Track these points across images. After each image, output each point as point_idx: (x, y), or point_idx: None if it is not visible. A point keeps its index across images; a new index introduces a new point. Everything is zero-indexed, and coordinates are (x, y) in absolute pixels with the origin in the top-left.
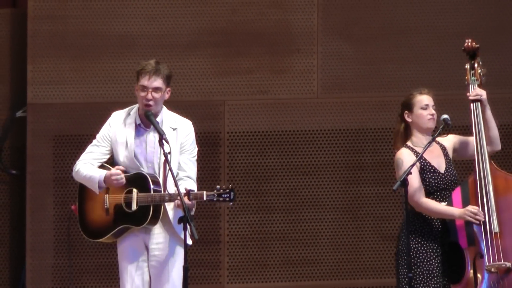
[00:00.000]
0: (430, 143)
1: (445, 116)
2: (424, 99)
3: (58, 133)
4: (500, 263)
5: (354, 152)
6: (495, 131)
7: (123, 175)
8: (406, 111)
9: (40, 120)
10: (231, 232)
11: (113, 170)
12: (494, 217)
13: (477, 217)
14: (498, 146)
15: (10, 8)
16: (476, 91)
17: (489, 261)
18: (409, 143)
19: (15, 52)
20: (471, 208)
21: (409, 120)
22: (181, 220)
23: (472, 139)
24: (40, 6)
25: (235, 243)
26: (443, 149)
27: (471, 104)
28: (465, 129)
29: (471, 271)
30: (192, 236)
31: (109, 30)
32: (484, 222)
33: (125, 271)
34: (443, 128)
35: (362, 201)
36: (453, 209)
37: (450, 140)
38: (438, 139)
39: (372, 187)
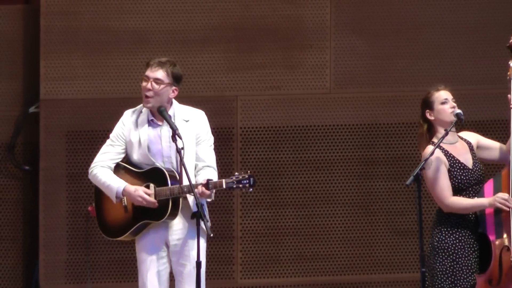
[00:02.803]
0: (443, 137)
1: (458, 111)
2: (442, 94)
3: (71, 129)
4: None
5: (367, 147)
6: None
7: (152, 200)
8: (428, 110)
9: (53, 116)
10: (244, 227)
11: (141, 192)
12: None
13: (507, 203)
14: None
15: (23, 4)
16: None
17: None
18: (434, 139)
19: (28, 48)
20: (501, 194)
21: (431, 118)
22: (194, 215)
23: (494, 144)
24: (52, 2)
25: (248, 238)
26: (469, 144)
27: None
28: (479, 124)
29: (497, 263)
30: (206, 233)
31: (122, 26)
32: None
33: (144, 267)
34: (456, 123)
35: (375, 196)
36: (482, 199)
37: (474, 138)
38: (463, 135)
39: (385, 182)
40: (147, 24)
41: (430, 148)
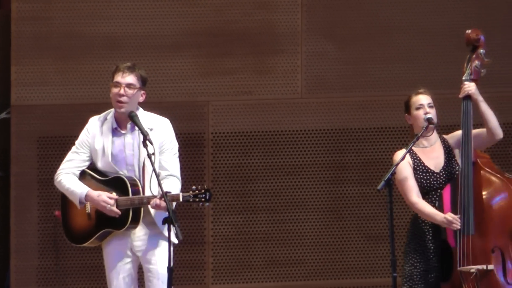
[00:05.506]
0: (414, 142)
1: (428, 115)
2: (419, 99)
3: (42, 135)
4: (472, 266)
5: (338, 152)
6: (494, 121)
7: (115, 209)
8: (406, 114)
9: (24, 122)
10: (216, 233)
11: (105, 197)
12: (471, 220)
13: (453, 225)
14: (500, 134)
15: None
16: (464, 88)
17: (461, 264)
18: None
19: None
20: (449, 216)
21: (410, 122)
22: (166, 221)
23: (479, 131)
24: (24, 7)
25: (220, 244)
26: (446, 147)
27: (462, 102)
28: (453, 128)
29: (459, 270)
30: (176, 237)
31: (93, 31)
32: (461, 224)
33: (111, 274)
34: (426, 128)
35: (346, 201)
36: (436, 214)
37: (456, 137)
38: (449, 137)
39: (356, 187)
40: (118, 29)
41: (400, 151)
